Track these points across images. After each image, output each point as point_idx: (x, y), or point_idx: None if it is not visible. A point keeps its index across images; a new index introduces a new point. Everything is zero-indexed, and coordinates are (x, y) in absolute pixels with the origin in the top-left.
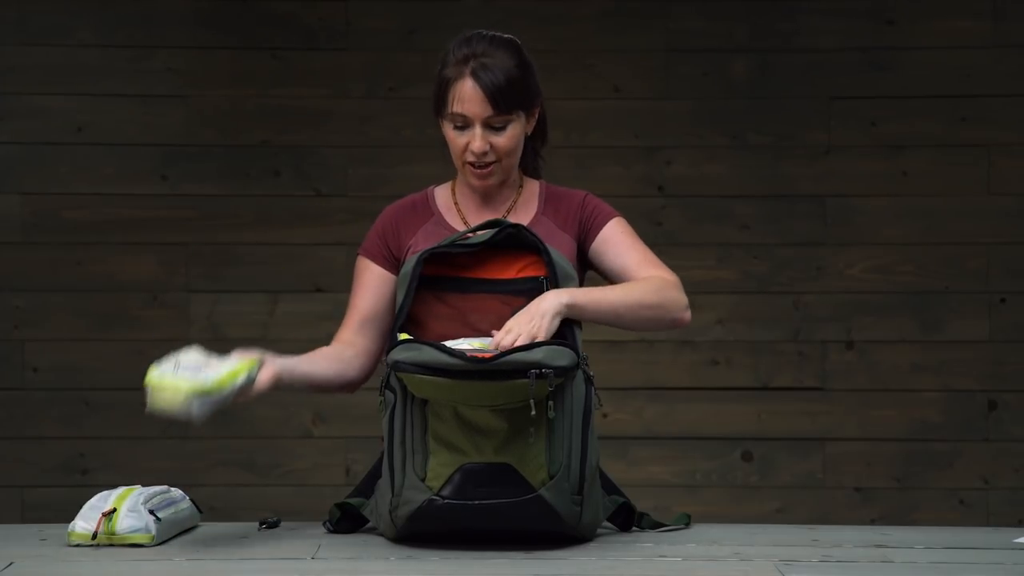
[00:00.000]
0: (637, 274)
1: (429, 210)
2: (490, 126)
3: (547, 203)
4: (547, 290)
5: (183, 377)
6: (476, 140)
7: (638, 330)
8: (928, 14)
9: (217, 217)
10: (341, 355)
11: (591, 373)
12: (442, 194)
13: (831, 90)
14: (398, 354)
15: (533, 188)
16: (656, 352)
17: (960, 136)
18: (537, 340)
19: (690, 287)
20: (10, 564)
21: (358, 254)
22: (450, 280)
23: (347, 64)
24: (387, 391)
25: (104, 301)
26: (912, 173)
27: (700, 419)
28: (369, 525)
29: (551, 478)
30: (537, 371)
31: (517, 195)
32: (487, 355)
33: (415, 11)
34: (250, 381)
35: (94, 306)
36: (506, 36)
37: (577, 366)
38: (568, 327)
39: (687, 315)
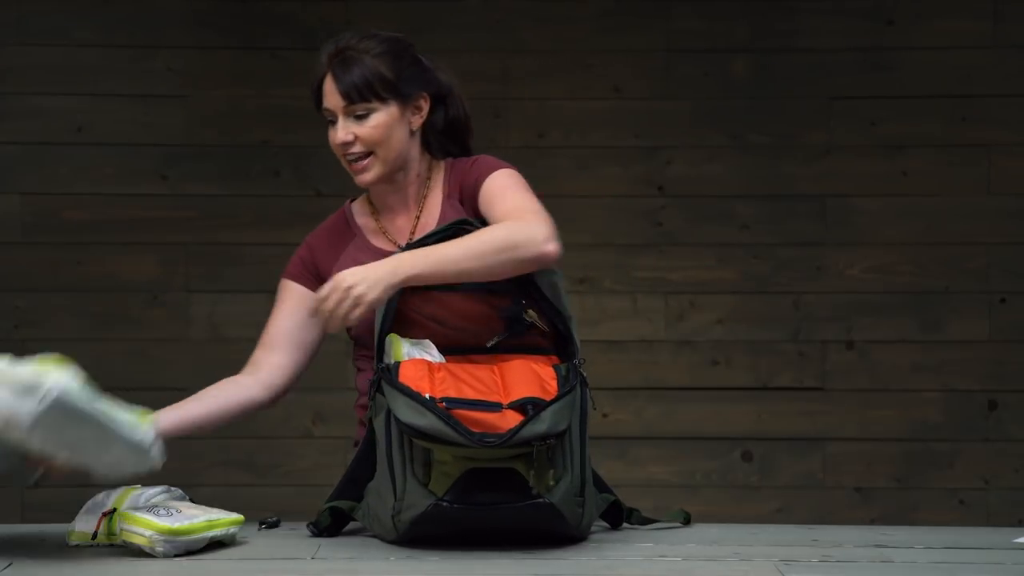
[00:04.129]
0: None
1: (350, 231)
2: (352, 116)
3: (450, 183)
4: (530, 291)
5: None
6: (338, 132)
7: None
8: (928, 14)
9: (217, 217)
10: (239, 384)
11: (585, 375)
12: (360, 208)
13: (831, 90)
14: (401, 411)
15: (440, 170)
16: (656, 352)
17: (960, 136)
18: (355, 308)
19: (690, 287)
20: (10, 564)
21: (282, 277)
22: None
23: None
24: (379, 395)
25: (104, 301)
26: (912, 173)
27: (700, 419)
28: (356, 525)
29: (555, 482)
30: (540, 442)
31: (426, 187)
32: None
33: (415, 11)
34: (229, 538)
35: (94, 306)
36: (380, 31)
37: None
38: (567, 329)
39: (550, 247)
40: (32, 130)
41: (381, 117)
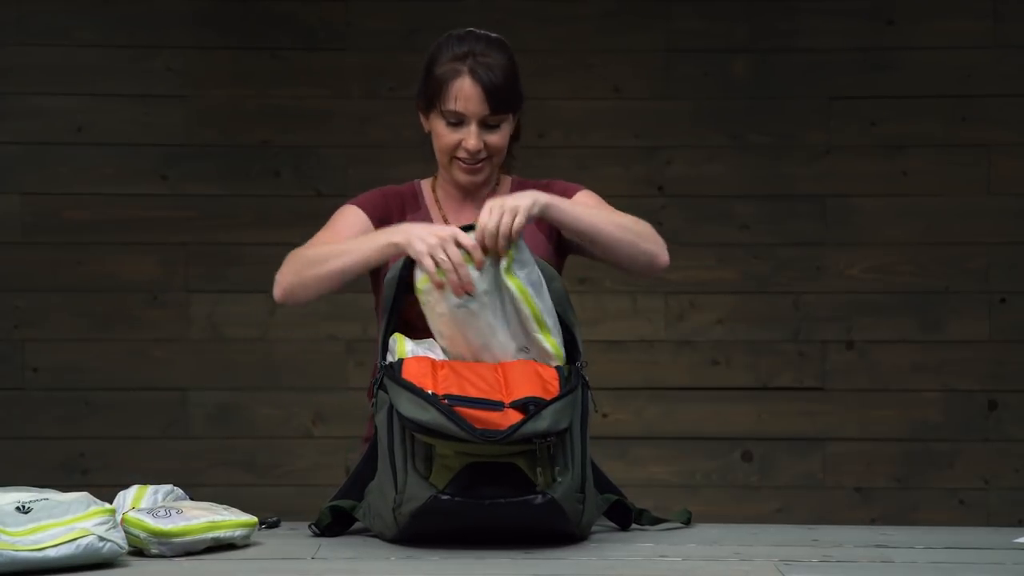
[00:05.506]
0: None
1: (417, 203)
2: (485, 124)
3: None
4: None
5: (147, 519)
6: (471, 138)
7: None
8: (928, 14)
9: (217, 217)
10: None
11: (587, 378)
12: (426, 189)
13: (831, 90)
14: (404, 406)
15: (506, 184)
16: (656, 352)
17: (960, 136)
18: (513, 224)
19: (690, 287)
20: None
21: (347, 204)
22: None
23: (347, 64)
24: (380, 391)
25: (104, 301)
26: (912, 173)
27: (700, 419)
28: (358, 525)
29: (555, 480)
30: (541, 440)
31: (492, 192)
32: (495, 413)
33: (415, 11)
34: (237, 539)
35: (94, 306)
36: (496, 36)
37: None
38: (570, 334)
39: (666, 255)
40: (32, 130)
41: (507, 127)
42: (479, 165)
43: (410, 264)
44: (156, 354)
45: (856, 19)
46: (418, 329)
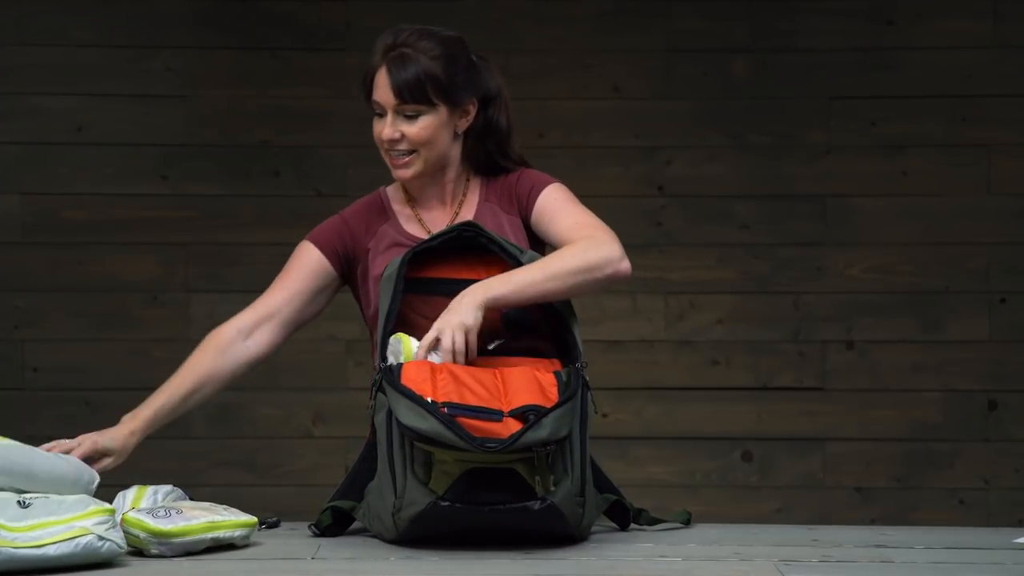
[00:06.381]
0: (568, 241)
1: (385, 212)
2: (402, 115)
3: (489, 189)
4: None
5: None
6: (385, 127)
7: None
8: (928, 14)
9: (217, 217)
10: (227, 352)
11: (587, 378)
12: (395, 194)
13: (831, 90)
14: (403, 414)
15: (475, 186)
16: (656, 352)
17: (960, 136)
18: (466, 348)
19: (690, 287)
20: None
21: (305, 239)
22: (435, 282)
23: (347, 64)
24: (380, 394)
25: (104, 301)
26: (912, 173)
27: (700, 419)
28: (357, 525)
29: (555, 484)
30: (541, 447)
31: (465, 187)
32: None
33: (415, 11)
34: (237, 539)
35: (94, 306)
36: (438, 30)
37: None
38: (569, 332)
39: (623, 265)
40: (32, 130)
41: (429, 120)
42: (405, 159)
43: (408, 262)
44: (156, 354)
45: (856, 19)
46: (416, 327)
